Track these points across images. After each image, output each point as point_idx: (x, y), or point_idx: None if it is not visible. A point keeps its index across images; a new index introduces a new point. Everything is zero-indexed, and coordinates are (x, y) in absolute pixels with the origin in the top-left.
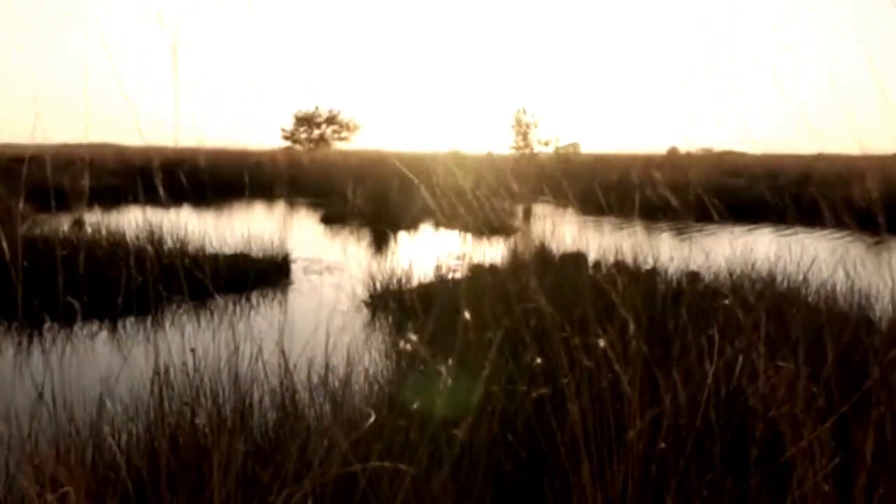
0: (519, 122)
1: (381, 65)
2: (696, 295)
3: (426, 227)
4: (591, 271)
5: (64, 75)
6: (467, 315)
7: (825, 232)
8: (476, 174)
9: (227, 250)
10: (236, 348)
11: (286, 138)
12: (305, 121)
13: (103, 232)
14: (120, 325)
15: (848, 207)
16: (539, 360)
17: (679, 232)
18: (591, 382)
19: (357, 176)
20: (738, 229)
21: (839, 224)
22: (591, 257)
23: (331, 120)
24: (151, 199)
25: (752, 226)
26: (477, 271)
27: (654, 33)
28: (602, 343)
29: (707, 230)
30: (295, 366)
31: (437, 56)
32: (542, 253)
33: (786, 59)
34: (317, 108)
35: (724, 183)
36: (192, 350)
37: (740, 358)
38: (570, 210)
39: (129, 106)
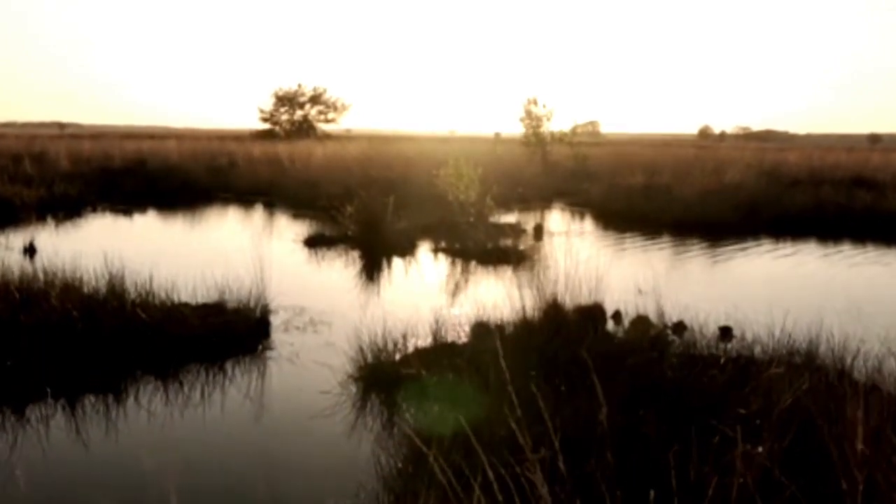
0: (529, 115)
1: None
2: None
3: (424, 254)
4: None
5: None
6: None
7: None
8: (482, 176)
9: (199, 298)
10: None
11: (265, 120)
12: (287, 100)
13: (56, 280)
14: (78, 416)
15: None
16: None
17: (713, 251)
18: None
19: (343, 183)
20: (781, 247)
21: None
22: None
23: (315, 99)
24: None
25: (797, 242)
26: (481, 338)
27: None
28: None
29: (746, 250)
30: None
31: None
32: (553, 320)
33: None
34: (300, 85)
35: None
36: None
37: None
38: (587, 221)
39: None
